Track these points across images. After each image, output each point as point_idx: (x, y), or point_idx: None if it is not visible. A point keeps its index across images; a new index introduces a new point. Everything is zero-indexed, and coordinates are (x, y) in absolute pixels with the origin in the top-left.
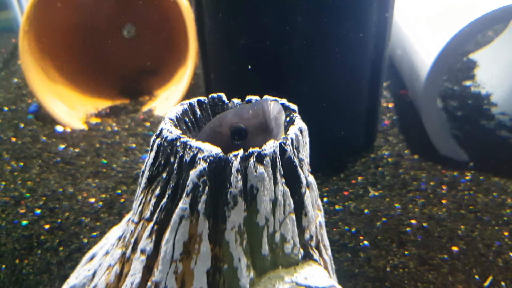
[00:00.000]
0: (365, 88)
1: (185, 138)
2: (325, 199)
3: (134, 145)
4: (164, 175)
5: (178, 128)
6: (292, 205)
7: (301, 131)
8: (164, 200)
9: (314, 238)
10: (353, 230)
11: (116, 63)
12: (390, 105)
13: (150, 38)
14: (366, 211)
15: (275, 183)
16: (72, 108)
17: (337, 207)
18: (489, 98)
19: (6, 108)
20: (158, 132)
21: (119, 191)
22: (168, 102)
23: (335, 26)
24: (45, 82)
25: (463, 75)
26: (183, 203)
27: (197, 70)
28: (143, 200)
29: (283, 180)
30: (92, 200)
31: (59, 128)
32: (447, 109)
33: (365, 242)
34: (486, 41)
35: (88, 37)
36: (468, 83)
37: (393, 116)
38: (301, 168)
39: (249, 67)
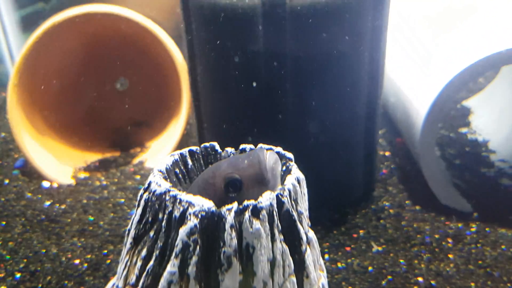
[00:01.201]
0: (361, 138)
1: (175, 191)
2: (326, 256)
3: (123, 200)
4: (152, 233)
5: (168, 180)
6: (292, 266)
7: (298, 181)
8: (151, 262)
9: None
10: None
11: (107, 116)
12: (387, 154)
13: (143, 90)
14: (370, 268)
15: (273, 240)
16: (60, 163)
17: (339, 264)
18: (486, 145)
19: None
20: (146, 185)
21: (106, 251)
22: (160, 153)
23: (329, 76)
24: (33, 136)
25: (458, 122)
26: (171, 266)
27: (190, 120)
28: (128, 263)
29: (282, 237)
30: (77, 261)
31: (46, 184)
32: (445, 157)
33: None
34: (477, 88)
35: (80, 90)
36: (464, 130)
37: (391, 164)
38: (301, 222)
39: (243, 117)
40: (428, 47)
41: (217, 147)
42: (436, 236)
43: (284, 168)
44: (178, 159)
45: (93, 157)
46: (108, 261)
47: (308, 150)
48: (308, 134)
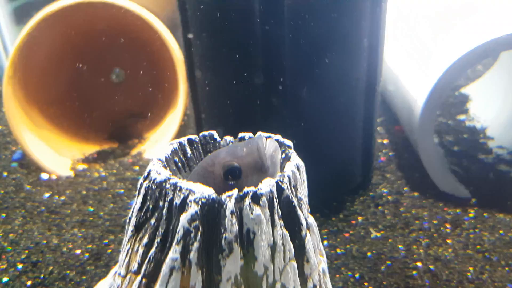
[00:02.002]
0: (360, 125)
1: (175, 179)
2: (325, 242)
3: (122, 191)
4: (153, 221)
5: (168, 169)
6: (293, 251)
7: (298, 168)
8: (153, 249)
9: (318, 287)
10: (357, 275)
11: (104, 107)
12: (385, 141)
13: (139, 81)
14: (369, 254)
15: (273, 226)
16: (58, 155)
17: (338, 250)
18: (484, 132)
19: None
20: (146, 174)
21: (106, 241)
22: (158, 144)
23: (327, 64)
24: (30, 128)
25: (456, 110)
26: (173, 253)
27: (187, 111)
28: (130, 251)
29: (282, 222)
30: (78, 251)
31: (44, 176)
32: (443, 144)
33: None
34: (476, 75)
35: (76, 82)
36: (462, 117)
37: (389, 152)
38: (300, 208)
39: (241, 106)
40: (426, 35)
41: (216, 135)
42: (435, 221)
43: (283, 155)
44: (177, 148)
45: (91, 149)
46: (109, 251)
47: (307, 139)
48: (307, 123)
